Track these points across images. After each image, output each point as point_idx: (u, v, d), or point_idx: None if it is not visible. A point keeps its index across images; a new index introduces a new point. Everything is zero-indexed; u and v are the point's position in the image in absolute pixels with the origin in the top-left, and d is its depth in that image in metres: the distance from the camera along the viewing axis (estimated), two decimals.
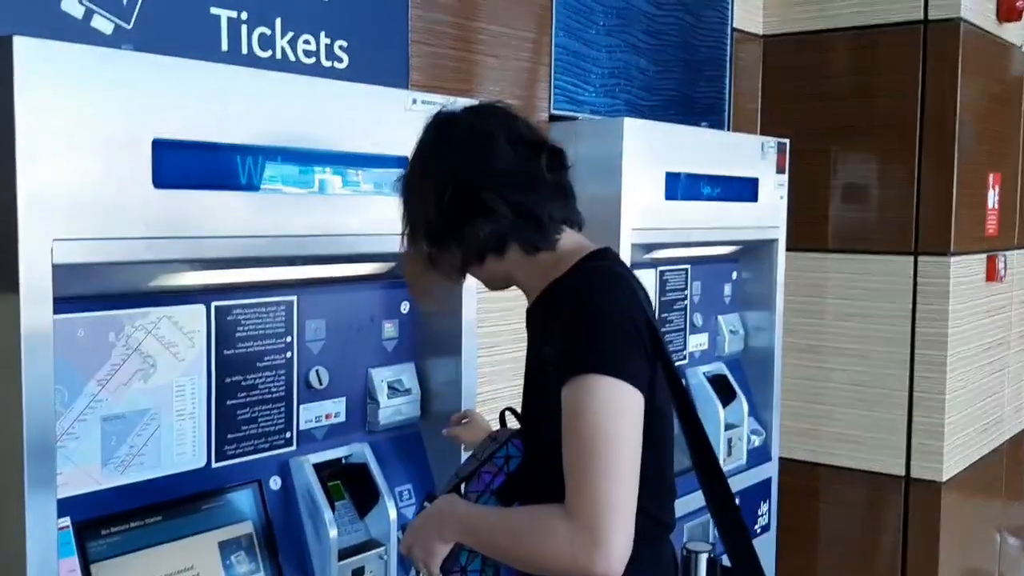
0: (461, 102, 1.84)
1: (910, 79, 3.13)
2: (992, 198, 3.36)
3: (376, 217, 1.72)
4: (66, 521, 1.42)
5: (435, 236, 1.42)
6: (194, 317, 1.62)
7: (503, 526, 1.36)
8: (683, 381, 1.44)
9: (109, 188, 1.37)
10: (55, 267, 1.31)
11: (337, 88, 1.71)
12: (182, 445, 1.61)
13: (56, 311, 1.32)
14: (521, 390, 1.51)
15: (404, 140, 1.58)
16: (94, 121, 1.35)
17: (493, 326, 2.32)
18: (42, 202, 1.30)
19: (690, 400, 1.45)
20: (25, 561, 1.30)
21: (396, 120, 1.75)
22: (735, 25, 3.27)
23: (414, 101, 1.80)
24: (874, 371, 3.23)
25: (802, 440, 3.31)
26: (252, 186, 1.55)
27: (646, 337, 1.31)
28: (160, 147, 1.41)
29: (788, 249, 3.01)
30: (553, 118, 2.57)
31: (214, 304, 1.65)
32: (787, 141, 2.96)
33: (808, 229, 3.29)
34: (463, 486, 1.50)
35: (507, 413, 1.64)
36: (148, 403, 1.56)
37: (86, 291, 1.47)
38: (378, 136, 1.74)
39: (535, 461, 1.44)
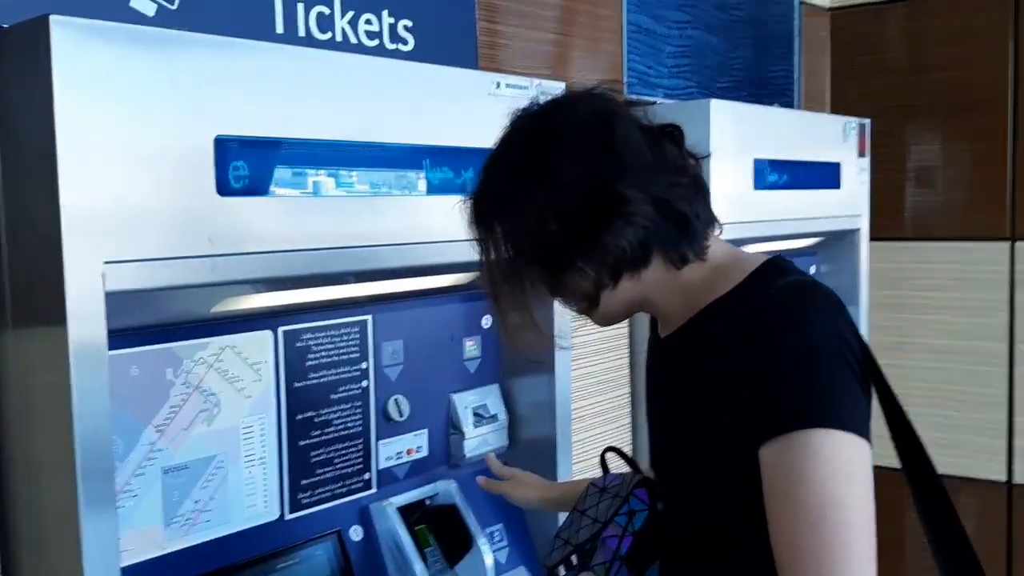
0: (550, 85, 1.62)
1: (999, 48, 2.88)
2: None
3: (455, 221, 1.48)
4: None
5: (560, 256, 1.11)
6: (260, 345, 1.39)
7: None
8: (906, 416, 1.15)
9: (166, 198, 1.14)
10: (108, 295, 1.08)
11: (420, 72, 1.47)
12: (252, 496, 1.38)
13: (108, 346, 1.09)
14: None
15: (487, 131, 1.35)
16: (146, 117, 1.12)
17: (577, 336, 2.09)
18: (90, 219, 1.07)
19: (918, 441, 1.16)
20: None
21: (480, 108, 1.52)
22: None
23: (498, 85, 1.56)
24: (968, 368, 2.98)
25: (890, 444, 3.06)
26: (327, 190, 1.32)
27: (860, 367, 1.03)
28: (224, 146, 1.18)
29: (871, 238, 2.76)
30: (631, 104, 2.33)
31: (281, 329, 1.42)
32: (867, 121, 2.72)
33: (887, 217, 3.04)
34: (575, 557, 1.23)
35: (610, 454, 1.39)
36: (213, 449, 1.33)
37: (138, 321, 1.24)
38: (460, 127, 1.51)
39: (689, 521, 1.17)
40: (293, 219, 1.28)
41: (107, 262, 1.08)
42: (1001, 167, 2.92)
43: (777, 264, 1.13)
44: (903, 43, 3.09)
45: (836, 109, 3.14)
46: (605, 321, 1.21)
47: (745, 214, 2.26)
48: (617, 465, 1.39)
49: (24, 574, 1.16)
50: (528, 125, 1.16)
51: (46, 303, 1.09)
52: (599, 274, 1.11)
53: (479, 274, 1.18)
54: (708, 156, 1.22)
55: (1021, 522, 2.95)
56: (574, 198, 1.09)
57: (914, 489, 1.15)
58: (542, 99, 1.18)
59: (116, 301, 1.09)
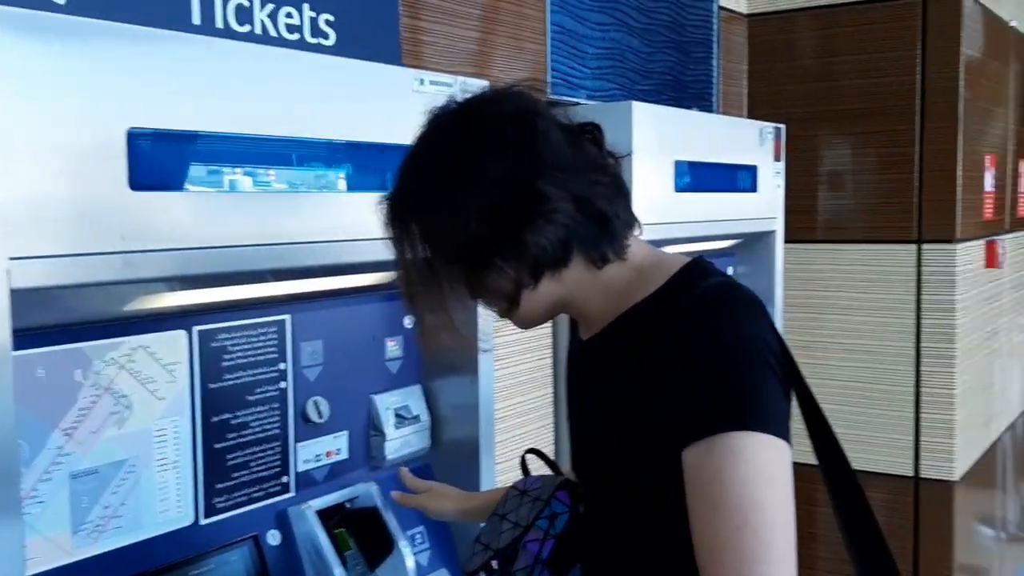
0: (473, 83, 1.61)
1: (907, 56, 2.97)
2: (989, 181, 3.23)
3: (375, 219, 1.46)
4: None
5: (479, 256, 1.09)
6: (174, 345, 1.35)
7: None
8: (823, 415, 1.15)
9: (76, 192, 1.09)
10: (13, 292, 1.03)
11: (342, 67, 1.44)
12: (165, 501, 1.34)
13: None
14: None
15: (408, 128, 1.33)
16: (56, 108, 1.07)
17: (499, 336, 2.08)
18: None
19: (834, 439, 1.16)
20: None
21: (402, 104, 1.50)
22: (720, 3, 3.08)
23: (421, 82, 1.54)
24: (878, 367, 3.07)
25: (804, 441, 3.13)
26: (245, 185, 1.29)
27: (780, 368, 1.04)
28: (138, 139, 1.14)
29: (786, 241, 2.82)
30: (553, 104, 2.33)
31: (196, 329, 1.38)
32: (783, 127, 2.78)
33: (800, 219, 3.11)
34: (495, 562, 1.21)
35: (531, 456, 1.38)
36: (124, 453, 1.28)
37: (45, 320, 1.19)
38: (381, 123, 1.48)
39: (610, 523, 1.17)
40: (209, 215, 1.24)
41: (12, 258, 1.03)
42: (909, 172, 3.02)
43: (699, 266, 1.13)
44: (816, 50, 3.17)
45: (753, 114, 3.20)
46: (526, 323, 1.20)
47: (665, 216, 2.28)
48: (538, 467, 1.39)
49: None
50: (447, 123, 1.14)
51: None
52: (519, 273, 1.10)
53: (396, 274, 1.16)
54: (628, 155, 1.22)
55: (927, 515, 3.05)
56: (494, 196, 1.07)
57: (830, 486, 1.17)
58: (461, 96, 1.16)
59: (21, 299, 1.04)
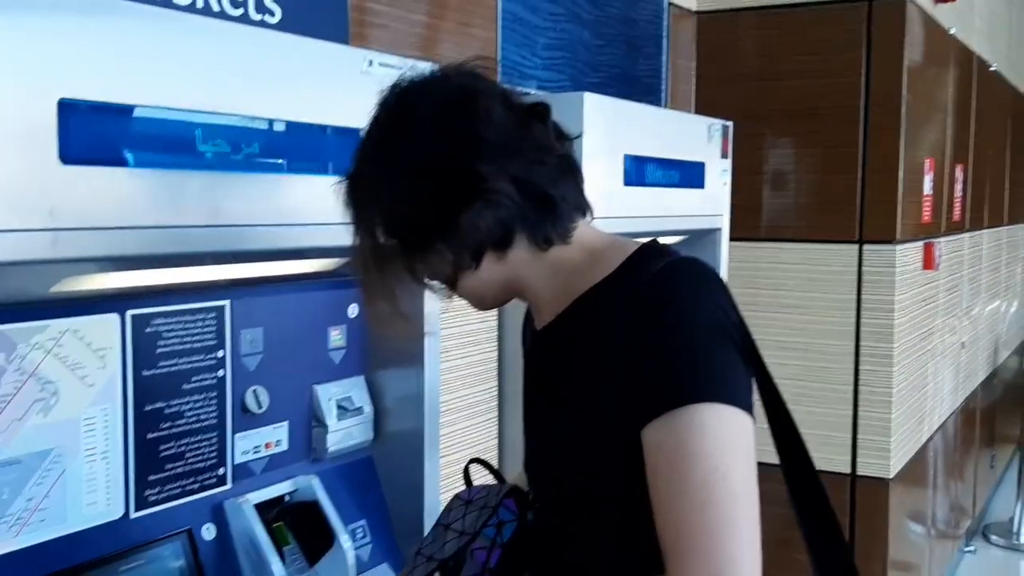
0: (424, 67, 1.57)
1: (854, 59, 3.01)
2: (927, 184, 3.28)
3: (323, 203, 1.40)
4: None
5: (416, 237, 1.09)
6: (106, 330, 1.28)
7: None
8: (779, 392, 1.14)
9: (2, 165, 1.02)
10: None
11: (288, 44, 1.39)
12: (93, 493, 1.27)
13: None
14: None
15: (355, 110, 1.29)
16: None
17: (445, 328, 2.04)
18: None
19: (789, 417, 1.16)
20: None
21: (349, 86, 1.45)
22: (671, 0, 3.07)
23: (370, 63, 1.49)
24: (817, 365, 3.11)
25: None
26: (183, 163, 1.23)
27: (740, 343, 1.02)
28: (69, 110, 1.07)
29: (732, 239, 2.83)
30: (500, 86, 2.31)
31: (130, 313, 1.31)
32: (731, 124, 2.79)
33: (744, 217, 3.13)
34: (438, 573, 1.18)
35: (474, 465, 1.34)
36: (49, 442, 1.21)
37: None
38: (328, 105, 1.43)
39: (564, 522, 1.15)
40: (145, 193, 1.18)
41: None
42: (852, 174, 3.05)
43: (654, 247, 1.12)
44: (762, 50, 3.19)
45: (700, 111, 3.21)
46: (478, 304, 1.21)
47: (614, 210, 2.25)
48: (481, 477, 1.36)
49: None
50: (391, 103, 1.13)
51: None
52: (458, 256, 1.09)
53: (351, 259, 1.15)
54: (579, 136, 1.20)
55: (863, 511, 3.09)
56: (431, 177, 1.07)
57: (788, 472, 1.15)
58: (410, 76, 1.14)
59: None
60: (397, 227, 1.10)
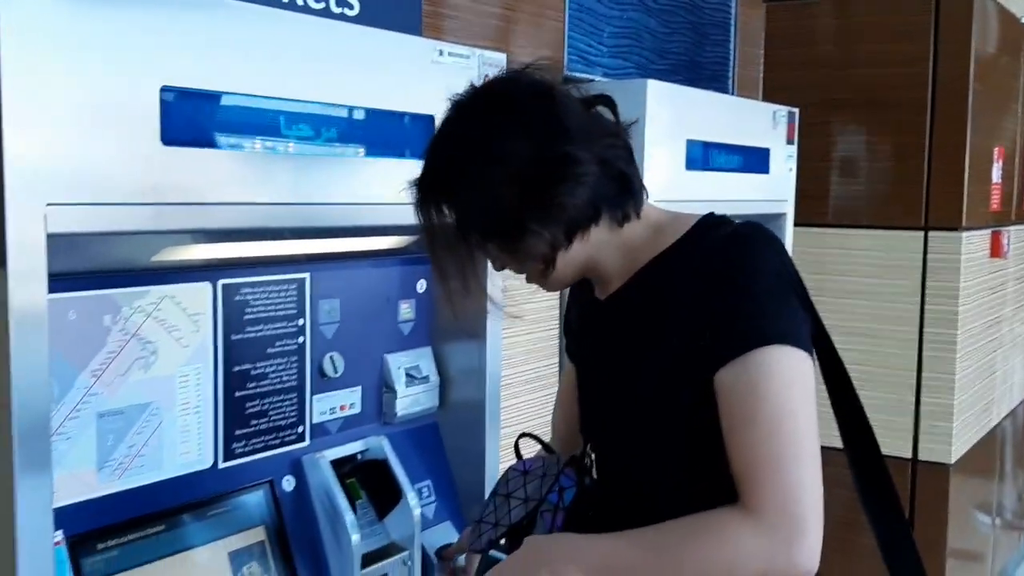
0: (491, 56, 1.66)
1: (920, 48, 3.00)
2: (996, 172, 3.26)
3: (396, 185, 1.51)
4: (59, 535, 1.21)
5: (516, 224, 1.16)
6: (199, 297, 1.41)
7: (656, 552, 1.11)
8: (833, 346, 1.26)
9: (111, 145, 1.15)
10: (49, 237, 1.09)
11: (365, 36, 1.50)
12: (186, 443, 1.40)
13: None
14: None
15: (428, 98, 1.37)
16: (93, 63, 1.13)
17: (510, 306, 2.14)
18: (33, 162, 1.08)
19: (842, 367, 1.28)
20: None
21: (422, 74, 1.55)
22: None
23: (440, 53, 1.60)
24: (881, 351, 3.12)
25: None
26: (269, 146, 1.35)
27: (801, 296, 1.16)
28: (170, 96, 1.20)
29: (795, 224, 2.86)
30: (566, 81, 2.38)
31: (220, 282, 1.44)
32: (796, 110, 2.82)
33: (810, 203, 3.15)
34: (504, 540, 1.31)
35: (525, 439, 1.44)
36: (149, 396, 1.35)
37: (77, 267, 1.26)
38: (402, 92, 1.54)
39: (632, 472, 1.26)
40: (236, 173, 1.30)
41: (49, 204, 1.09)
42: (918, 161, 3.06)
43: (715, 217, 1.23)
44: (830, 38, 3.20)
45: (767, 98, 3.24)
46: (557, 285, 1.27)
47: (676, 194, 2.32)
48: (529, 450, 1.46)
49: None
50: (470, 104, 1.21)
51: None
52: (555, 237, 1.17)
53: (429, 254, 1.23)
54: (636, 122, 1.29)
55: (923, 496, 3.11)
56: (527, 164, 1.14)
57: (852, 458, 1.28)
58: (481, 70, 1.26)
59: (57, 244, 1.11)
60: (495, 217, 1.16)
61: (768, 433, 1.06)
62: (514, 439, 1.45)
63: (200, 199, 1.25)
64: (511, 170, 1.14)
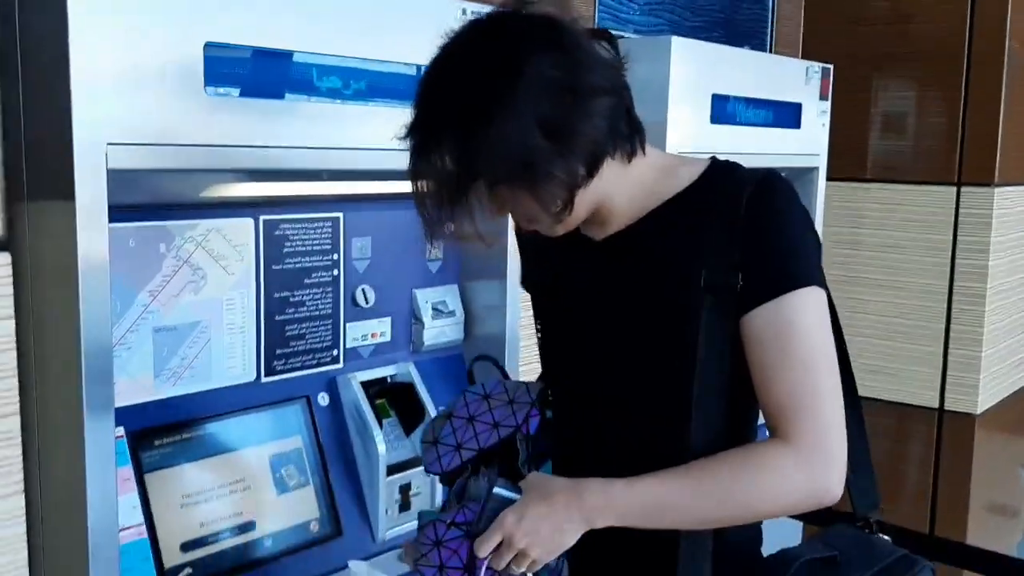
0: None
1: (959, 3, 3.03)
2: None
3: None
4: (121, 431, 1.41)
5: (540, 160, 1.10)
6: (243, 230, 1.59)
7: (700, 489, 1.16)
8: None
9: (163, 91, 1.33)
10: (109, 172, 1.28)
11: None
12: (232, 359, 1.59)
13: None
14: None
15: None
16: (146, 21, 1.30)
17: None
18: (96, 105, 1.26)
19: (835, 313, 1.29)
20: (84, 469, 1.29)
21: (442, 31, 1.69)
22: None
23: (463, 12, 1.73)
24: (911, 303, 3.20)
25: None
26: (303, 95, 1.51)
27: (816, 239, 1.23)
28: (212, 51, 1.37)
29: (830, 178, 2.94)
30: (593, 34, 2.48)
31: (262, 218, 1.62)
32: (831, 67, 2.88)
33: (848, 158, 3.22)
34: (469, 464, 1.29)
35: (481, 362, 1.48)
36: (199, 315, 1.54)
37: (136, 200, 1.44)
38: (427, 48, 1.68)
39: (626, 410, 1.26)
40: (277, 119, 1.46)
41: (110, 143, 1.27)
42: (953, 117, 3.10)
43: (726, 162, 1.26)
44: None
45: (807, 55, 3.29)
46: (568, 226, 1.22)
47: (701, 145, 2.43)
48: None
49: (35, 407, 1.38)
50: (474, 38, 1.15)
51: (57, 179, 1.28)
52: (576, 172, 1.12)
53: (426, 206, 1.17)
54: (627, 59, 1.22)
55: (948, 443, 3.19)
56: (550, 95, 1.08)
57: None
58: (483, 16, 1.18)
59: (117, 179, 1.29)
60: (522, 152, 1.08)
61: (804, 371, 1.14)
62: (532, 371, 1.51)
63: (243, 141, 1.42)
64: (532, 101, 1.07)
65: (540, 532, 1.14)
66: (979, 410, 3.14)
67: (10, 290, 1.25)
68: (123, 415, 1.41)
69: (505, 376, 1.49)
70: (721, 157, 2.58)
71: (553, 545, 1.15)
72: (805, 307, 1.15)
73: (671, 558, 1.19)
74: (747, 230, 1.16)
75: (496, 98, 1.08)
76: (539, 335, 1.42)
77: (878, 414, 3.27)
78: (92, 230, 1.28)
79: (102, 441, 1.30)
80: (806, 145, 2.89)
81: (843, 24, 3.28)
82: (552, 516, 1.15)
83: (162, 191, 1.47)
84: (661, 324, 1.22)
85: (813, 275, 1.16)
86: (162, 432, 1.48)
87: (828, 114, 2.93)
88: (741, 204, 1.16)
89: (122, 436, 1.42)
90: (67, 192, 1.27)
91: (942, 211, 3.12)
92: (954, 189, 3.11)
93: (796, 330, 1.14)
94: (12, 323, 1.28)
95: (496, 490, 1.19)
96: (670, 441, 1.19)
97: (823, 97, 2.92)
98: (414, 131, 1.15)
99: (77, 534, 1.29)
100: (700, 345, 1.17)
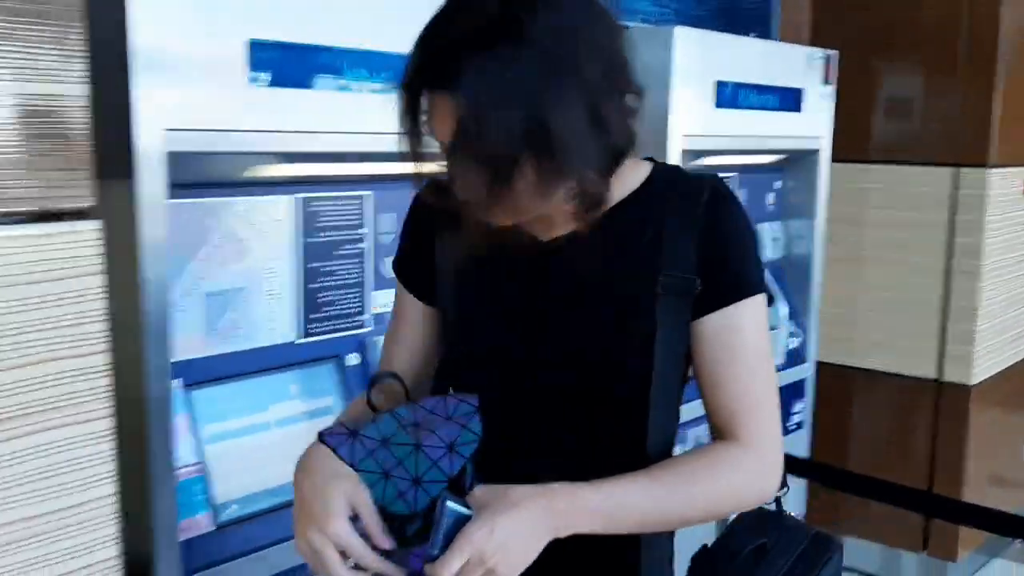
0: None
1: None
2: None
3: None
4: (178, 383, 1.60)
5: (579, 138, 1.04)
6: (282, 207, 1.78)
7: (667, 490, 1.13)
8: None
9: (213, 83, 1.51)
10: (168, 155, 1.46)
11: None
12: (273, 322, 1.78)
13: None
14: None
15: None
16: (198, 22, 1.49)
17: None
18: (156, 96, 1.44)
19: None
20: (146, 414, 1.49)
21: None
22: None
23: None
24: (910, 280, 3.35)
25: (839, 345, 3.44)
26: (333, 85, 1.69)
27: None
28: (254, 48, 1.55)
29: (835, 160, 3.09)
30: None
31: (299, 196, 1.80)
32: (835, 53, 3.02)
33: (855, 140, 3.37)
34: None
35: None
36: (244, 282, 1.72)
37: (188, 179, 1.62)
38: None
39: (569, 407, 1.20)
40: (312, 106, 1.65)
41: (167, 129, 1.46)
42: (952, 99, 3.24)
43: (670, 164, 1.29)
44: None
45: (815, 41, 3.43)
46: (520, 215, 1.12)
47: (706, 129, 2.59)
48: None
49: (115, 359, 1.57)
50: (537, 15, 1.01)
51: (122, 160, 1.47)
52: (592, 159, 1.07)
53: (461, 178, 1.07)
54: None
55: (946, 415, 3.35)
56: (605, 63, 1.05)
57: None
58: None
59: (173, 161, 1.47)
60: (562, 132, 1.02)
61: (756, 374, 1.17)
62: None
63: (281, 127, 1.61)
64: (595, 74, 1.03)
65: (511, 545, 1.03)
66: (974, 381, 3.29)
67: (102, 250, 1.41)
68: (180, 368, 1.60)
69: (408, 396, 1.25)
70: (726, 140, 2.74)
71: (524, 558, 1.04)
72: (756, 313, 1.18)
73: (631, 562, 1.19)
74: (706, 235, 1.16)
75: (554, 75, 1.01)
76: (450, 325, 1.28)
77: (879, 386, 3.43)
78: (151, 205, 1.47)
79: (160, 392, 1.50)
80: (808, 128, 3.04)
81: (851, 10, 3.41)
82: (522, 526, 1.04)
83: (210, 171, 1.65)
84: (618, 324, 1.18)
85: (761, 281, 1.19)
86: (214, 383, 1.67)
87: (832, 98, 3.08)
88: (699, 208, 1.16)
89: (179, 387, 1.61)
90: (129, 171, 1.46)
91: (940, 191, 3.27)
92: (952, 170, 3.25)
93: (748, 336, 1.17)
94: (105, 277, 1.45)
95: (449, 504, 1.04)
96: (625, 443, 1.18)
97: (826, 82, 3.06)
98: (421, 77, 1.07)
99: (144, 470, 1.49)
100: (658, 345, 1.16)
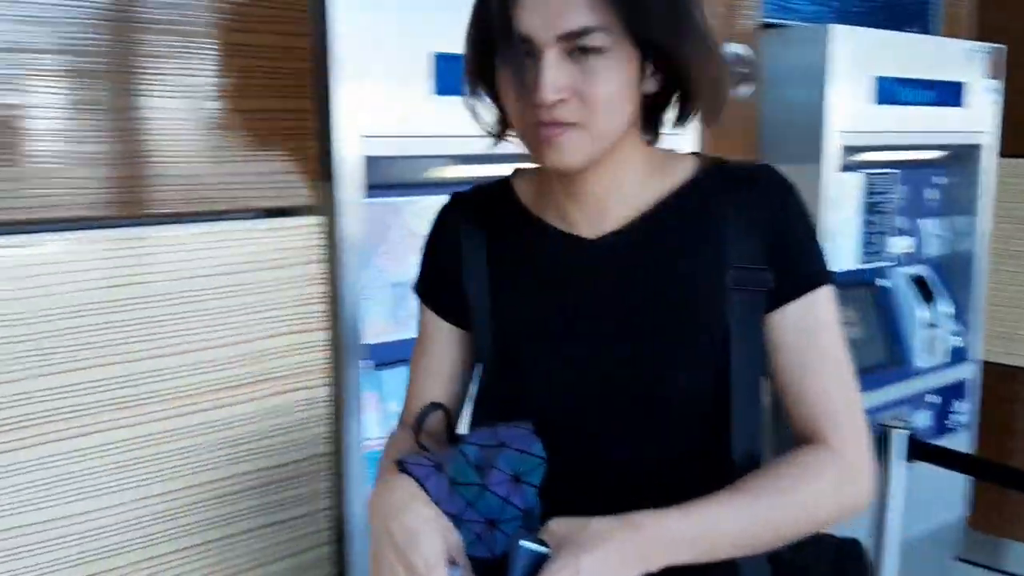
0: None
1: None
2: None
3: None
4: (370, 363, 1.78)
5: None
6: None
7: (756, 509, 1.03)
8: None
9: (402, 94, 1.68)
10: (366, 159, 1.64)
11: None
12: None
13: None
14: None
15: None
16: (388, 38, 1.66)
17: None
18: (353, 106, 1.63)
19: None
20: (343, 391, 1.68)
21: None
22: None
23: None
24: None
25: (1004, 344, 3.35)
26: None
27: None
28: (439, 59, 1.71)
29: (1003, 155, 3.01)
30: (763, 26, 2.67)
31: None
32: (1003, 47, 2.96)
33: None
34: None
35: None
36: None
37: (378, 181, 1.80)
38: None
39: (639, 430, 1.11)
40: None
41: (363, 136, 1.64)
42: None
43: (715, 156, 1.19)
44: None
45: (982, 37, 3.35)
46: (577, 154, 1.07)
47: (863, 125, 2.61)
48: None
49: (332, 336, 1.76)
50: None
51: (323, 163, 1.65)
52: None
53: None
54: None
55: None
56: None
57: None
58: None
59: (369, 164, 1.65)
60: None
61: (840, 372, 1.11)
62: None
63: (461, 133, 1.76)
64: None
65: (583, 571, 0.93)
66: None
67: (326, 240, 1.66)
68: (370, 349, 1.77)
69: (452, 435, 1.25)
70: (887, 136, 2.73)
71: None
72: (830, 304, 1.12)
73: None
74: (771, 224, 1.10)
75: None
76: (504, 363, 1.19)
77: None
78: (350, 204, 1.66)
79: (353, 370, 1.68)
80: (970, 123, 2.99)
81: (1016, 4, 3.31)
82: (609, 563, 0.94)
83: (390, 173, 1.83)
84: (690, 327, 1.11)
85: (830, 272, 1.14)
86: (398, 365, 1.85)
87: (999, 93, 3.01)
88: (760, 198, 1.11)
89: (370, 366, 1.78)
90: (329, 174, 1.64)
91: None
92: None
93: (826, 327, 1.11)
94: (328, 265, 1.67)
95: (524, 544, 0.98)
96: (707, 455, 1.11)
97: (991, 76, 3.00)
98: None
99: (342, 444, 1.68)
100: (734, 343, 1.09)
